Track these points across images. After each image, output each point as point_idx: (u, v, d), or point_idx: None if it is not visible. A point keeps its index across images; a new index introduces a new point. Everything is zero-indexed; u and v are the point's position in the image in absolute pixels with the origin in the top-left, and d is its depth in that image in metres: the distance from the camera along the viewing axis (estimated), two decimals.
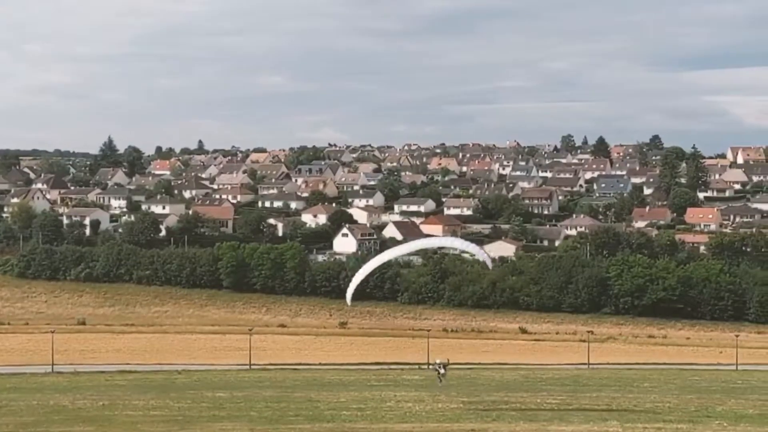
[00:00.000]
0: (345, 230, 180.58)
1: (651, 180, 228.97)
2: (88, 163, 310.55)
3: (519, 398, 55.76)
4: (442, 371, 56.91)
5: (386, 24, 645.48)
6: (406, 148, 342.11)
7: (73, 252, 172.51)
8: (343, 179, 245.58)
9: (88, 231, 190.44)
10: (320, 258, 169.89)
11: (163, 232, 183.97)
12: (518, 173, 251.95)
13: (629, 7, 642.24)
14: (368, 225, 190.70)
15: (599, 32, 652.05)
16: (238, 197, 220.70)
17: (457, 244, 56.90)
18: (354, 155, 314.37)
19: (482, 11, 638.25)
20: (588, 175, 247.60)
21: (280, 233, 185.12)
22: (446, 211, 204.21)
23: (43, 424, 44.03)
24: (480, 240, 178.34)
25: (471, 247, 51.37)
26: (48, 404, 53.95)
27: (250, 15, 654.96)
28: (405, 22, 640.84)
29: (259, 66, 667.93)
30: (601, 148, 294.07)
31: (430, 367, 67.82)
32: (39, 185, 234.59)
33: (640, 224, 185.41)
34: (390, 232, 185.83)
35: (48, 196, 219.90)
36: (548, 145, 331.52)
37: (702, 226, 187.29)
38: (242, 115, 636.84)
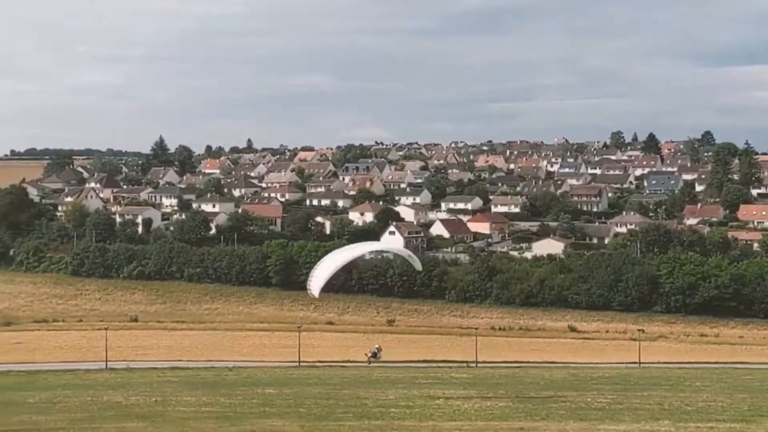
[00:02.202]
0: (392, 228, 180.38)
1: (702, 177, 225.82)
2: (140, 162, 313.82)
3: (568, 397, 55.32)
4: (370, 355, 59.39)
5: (429, 23, 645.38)
6: (452, 145, 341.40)
7: (125, 250, 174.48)
8: (390, 177, 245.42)
9: (140, 229, 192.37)
10: (368, 256, 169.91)
11: (213, 231, 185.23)
12: (567, 170, 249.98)
13: (675, 1, 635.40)
14: (415, 223, 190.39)
15: (643, 27, 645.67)
16: (287, 195, 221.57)
17: (387, 247, 58.64)
18: (400, 153, 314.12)
19: (523, 8, 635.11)
20: (638, 172, 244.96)
21: (328, 231, 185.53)
22: (493, 209, 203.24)
23: (96, 420, 44.51)
24: (528, 237, 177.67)
25: (402, 252, 53.41)
26: (101, 400, 54.57)
27: (291, 16, 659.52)
28: (447, 21, 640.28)
29: (304, 66, 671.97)
30: (651, 145, 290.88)
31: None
32: (92, 184, 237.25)
33: (691, 221, 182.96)
34: (437, 229, 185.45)
35: (101, 195, 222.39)
36: (597, 142, 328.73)
37: (755, 224, 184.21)
38: (290, 114, 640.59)
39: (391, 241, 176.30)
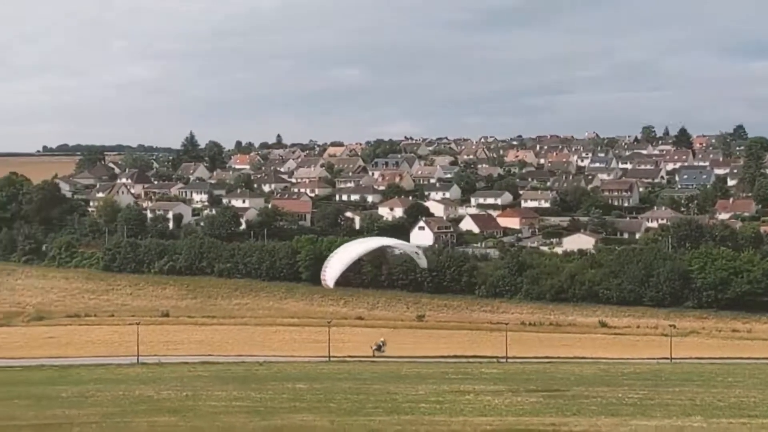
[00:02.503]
0: (422, 223, 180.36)
1: (735, 171, 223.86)
2: (171, 158, 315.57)
3: (599, 392, 55.01)
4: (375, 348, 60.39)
5: (460, 16, 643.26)
6: (482, 140, 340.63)
7: (156, 245, 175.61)
8: (420, 172, 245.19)
9: (170, 225, 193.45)
10: (397, 251, 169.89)
11: (243, 226, 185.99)
12: (597, 165, 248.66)
13: None
14: (445, 218, 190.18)
15: (676, 20, 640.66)
16: (316, 191, 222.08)
17: (397, 243, 58.62)
18: (430, 148, 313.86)
19: (556, 1, 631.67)
20: (669, 167, 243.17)
21: (357, 226, 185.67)
22: (523, 204, 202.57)
23: (128, 414, 44.76)
24: (558, 232, 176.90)
25: (409, 248, 53.41)
26: (133, 395, 54.91)
27: (323, 10, 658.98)
28: (479, 14, 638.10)
29: (334, 60, 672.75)
30: (682, 139, 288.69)
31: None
32: (123, 180, 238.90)
33: (723, 216, 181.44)
34: (467, 224, 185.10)
35: (132, 191, 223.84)
36: (628, 137, 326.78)
37: None
38: (319, 109, 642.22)
39: (421, 237, 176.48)
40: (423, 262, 52.33)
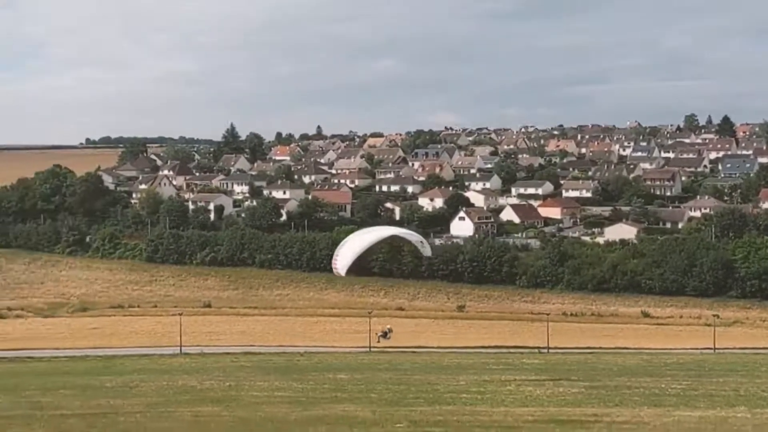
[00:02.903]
0: (462, 213, 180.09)
1: None
2: (212, 149, 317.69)
3: (642, 383, 54.60)
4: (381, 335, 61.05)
5: (499, 5, 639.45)
6: (522, 130, 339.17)
7: (198, 237, 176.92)
8: (460, 162, 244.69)
9: (212, 216, 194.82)
10: (437, 241, 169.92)
11: (284, 217, 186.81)
12: (639, 154, 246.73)
13: None
14: (485, 208, 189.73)
15: (719, 8, 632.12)
16: (356, 182, 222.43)
17: (402, 231, 58.58)
18: (470, 138, 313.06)
19: None
20: (712, 155, 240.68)
21: (398, 217, 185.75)
22: (564, 194, 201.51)
23: (171, 404, 45.14)
24: (600, 222, 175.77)
25: (414, 237, 53.70)
26: (176, 385, 55.38)
27: (361, 1, 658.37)
28: (517, 4, 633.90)
29: (373, 52, 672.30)
30: (725, 128, 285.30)
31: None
32: (165, 172, 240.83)
33: (767, 205, 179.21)
34: (507, 215, 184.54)
35: (174, 183, 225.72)
36: (671, 125, 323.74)
37: None
38: (358, 100, 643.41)
39: (461, 227, 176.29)
40: (427, 251, 53.40)
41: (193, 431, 35.17)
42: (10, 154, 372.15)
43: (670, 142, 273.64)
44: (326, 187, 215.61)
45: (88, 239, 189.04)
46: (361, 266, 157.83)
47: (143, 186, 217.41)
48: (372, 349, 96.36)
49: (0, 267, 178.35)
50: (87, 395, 49.78)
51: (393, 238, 49.98)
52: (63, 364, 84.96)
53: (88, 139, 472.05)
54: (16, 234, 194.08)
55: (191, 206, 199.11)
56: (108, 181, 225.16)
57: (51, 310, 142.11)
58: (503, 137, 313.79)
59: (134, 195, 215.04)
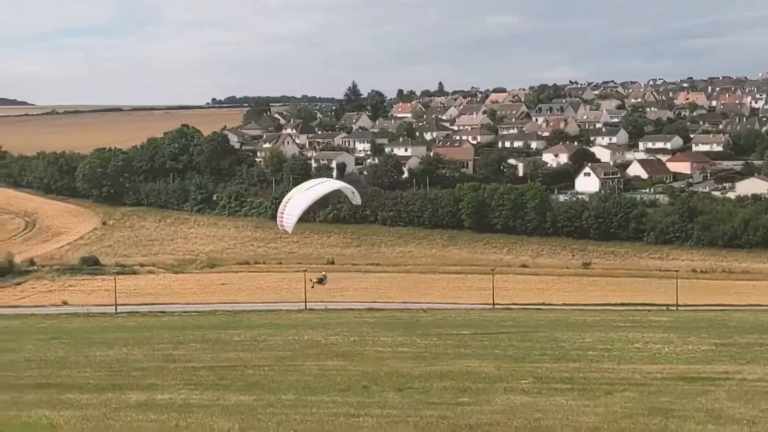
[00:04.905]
0: (587, 169, 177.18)
1: None
2: (334, 108, 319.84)
3: None
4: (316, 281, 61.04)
5: None
6: (650, 83, 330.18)
7: None
8: (585, 117, 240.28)
9: (334, 174, 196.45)
10: (562, 198, 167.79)
11: (406, 174, 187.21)
12: None
13: None
14: (611, 164, 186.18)
15: None
16: (478, 138, 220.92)
17: (336, 185, 56.93)
18: (596, 92, 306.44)
19: None
20: None
21: (521, 173, 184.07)
22: (694, 148, 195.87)
23: (298, 357, 46.21)
24: (731, 177, 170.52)
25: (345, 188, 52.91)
26: (302, 339, 56.63)
27: None
28: None
29: (497, 7, 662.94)
30: None
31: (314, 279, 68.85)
32: (288, 130, 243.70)
33: None
34: (634, 170, 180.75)
35: (297, 141, 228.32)
36: None
37: None
38: (481, 56, 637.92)
39: (587, 183, 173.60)
40: (357, 199, 52.50)
41: (319, 383, 35.96)
42: (139, 115, 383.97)
43: None
44: (448, 143, 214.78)
45: (214, 197, 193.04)
46: (484, 222, 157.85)
47: (267, 144, 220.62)
48: (495, 306, 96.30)
49: (132, 225, 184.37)
50: (217, 348, 51.42)
51: (337, 192, 49.62)
52: (193, 318, 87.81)
53: (214, 99, 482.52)
54: (147, 192, 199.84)
55: (314, 164, 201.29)
56: (233, 140, 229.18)
57: (180, 266, 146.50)
58: (630, 90, 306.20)
59: (258, 153, 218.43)
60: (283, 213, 50.26)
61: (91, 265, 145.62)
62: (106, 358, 47.85)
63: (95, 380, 38.09)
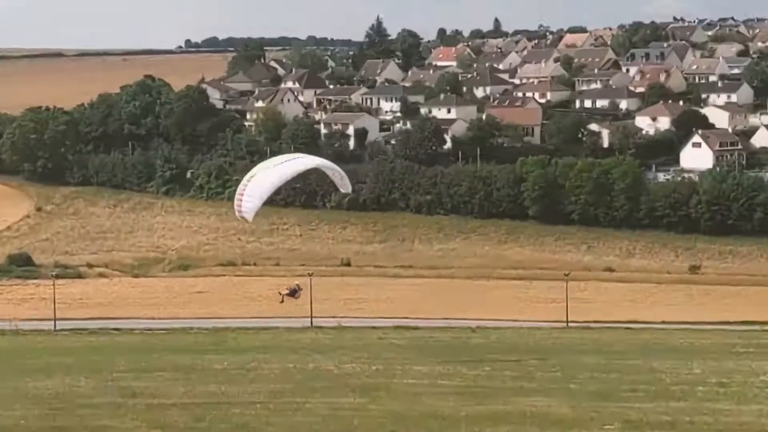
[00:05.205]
0: (697, 138, 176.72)
1: None
2: (351, 53, 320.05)
3: None
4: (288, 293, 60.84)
5: None
6: None
7: None
8: (695, 67, 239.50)
9: (351, 143, 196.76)
10: (662, 177, 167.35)
11: (449, 144, 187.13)
12: None
13: None
14: (730, 130, 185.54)
15: None
16: (548, 95, 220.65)
17: (314, 162, 56.98)
18: (709, 33, 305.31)
19: None
20: None
21: (606, 143, 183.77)
22: None
23: (301, 392, 46.26)
24: None
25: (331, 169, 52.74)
26: (306, 368, 56.77)
27: None
28: None
29: None
30: None
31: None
32: (289, 84, 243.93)
33: None
34: (761, 139, 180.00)
35: (300, 98, 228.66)
36: None
37: None
38: None
39: (696, 157, 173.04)
40: (346, 185, 52.18)
41: (330, 427, 36.03)
42: (87, 62, 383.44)
43: None
44: (506, 102, 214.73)
45: (189, 174, 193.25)
46: (555, 210, 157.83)
47: (260, 103, 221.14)
48: (570, 325, 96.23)
49: (77, 211, 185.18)
50: (192, 380, 51.63)
51: (313, 171, 49.86)
52: (160, 338, 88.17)
53: (188, 41, 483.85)
54: (97, 168, 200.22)
55: (324, 130, 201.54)
56: (215, 96, 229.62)
57: (143, 268, 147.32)
58: (757, 31, 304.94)
59: (249, 115, 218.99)
60: (242, 195, 50.48)
61: (21, 266, 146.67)
62: (43, 391, 48.12)
63: (27, 421, 38.34)
